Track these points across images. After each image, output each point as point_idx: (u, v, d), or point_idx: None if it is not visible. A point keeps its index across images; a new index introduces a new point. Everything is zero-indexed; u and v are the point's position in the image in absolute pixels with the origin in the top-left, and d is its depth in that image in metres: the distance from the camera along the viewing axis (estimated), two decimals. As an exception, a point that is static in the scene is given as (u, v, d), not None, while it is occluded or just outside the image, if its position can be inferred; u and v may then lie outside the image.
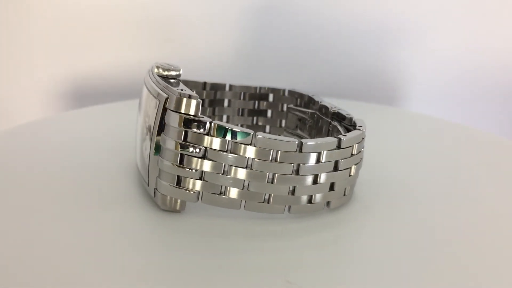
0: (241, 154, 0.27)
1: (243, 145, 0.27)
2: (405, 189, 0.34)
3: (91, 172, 0.33)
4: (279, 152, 0.27)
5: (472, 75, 0.60)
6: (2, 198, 0.30)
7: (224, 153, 0.27)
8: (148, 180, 0.29)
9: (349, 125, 0.33)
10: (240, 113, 0.40)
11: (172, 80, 0.30)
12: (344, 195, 0.31)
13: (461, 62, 0.60)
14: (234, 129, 0.27)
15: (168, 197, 0.28)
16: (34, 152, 0.36)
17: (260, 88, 0.40)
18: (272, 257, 0.26)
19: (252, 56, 0.56)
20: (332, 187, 0.29)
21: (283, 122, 0.40)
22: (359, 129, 0.31)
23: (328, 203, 0.30)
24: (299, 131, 0.38)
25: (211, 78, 0.41)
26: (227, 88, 0.39)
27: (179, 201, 0.28)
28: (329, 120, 0.35)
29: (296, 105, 0.39)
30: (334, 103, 0.35)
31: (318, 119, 0.36)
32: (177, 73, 0.30)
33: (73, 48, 0.54)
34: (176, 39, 0.55)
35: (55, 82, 0.55)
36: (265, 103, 0.40)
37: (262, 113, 0.40)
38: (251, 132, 0.27)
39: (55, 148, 0.37)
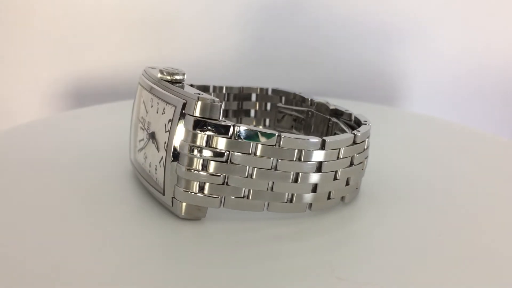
0: (266, 156, 0.26)
1: (267, 147, 0.26)
2: (406, 186, 0.35)
3: (92, 172, 0.33)
4: (303, 151, 0.27)
5: (472, 75, 0.60)
6: (2, 199, 0.29)
7: (248, 156, 0.26)
8: (164, 188, 0.28)
9: (349, 120, 0.33)
10: (225, 114, 0.40)
11: (177, 85, 0.29)
12: (356, 188, 0.31)
13: (461, 62, 0.60)
14: (258, 131, 0.26)
15: (189, 204, 0.27)
16: (34, 152, 0.36)
17: (243, 88, 0.40)
18: (313, 256, 0.26)
19: (252, 56, 0.56)
20: (347, 182, 0.30)
21: (267, 120, 0.40)
22: (365, 123, 0.31)
23: (342, 198, 0.30)
24: (294, 131, 0.38)
25: (211, 78, 0.41)
26: (211, 89, 0.39)
27: (200, 208, 0.27)
28: (328, 117, 0.35)
29: (282, 104, 0.39)
30: (328, 101, 0.36)
31: (312, 116, 0.36)
32: (182, 77, 0.29)
33: (73, 48, 0.54)
34: (175, 39, 0.55)
35: (55, 82, 0.55)
36: (249, 102, 0.40)
37: (247, 112, 0.40)
38: (276, 133, 0.26)
39: (55, 148, 0.37)
